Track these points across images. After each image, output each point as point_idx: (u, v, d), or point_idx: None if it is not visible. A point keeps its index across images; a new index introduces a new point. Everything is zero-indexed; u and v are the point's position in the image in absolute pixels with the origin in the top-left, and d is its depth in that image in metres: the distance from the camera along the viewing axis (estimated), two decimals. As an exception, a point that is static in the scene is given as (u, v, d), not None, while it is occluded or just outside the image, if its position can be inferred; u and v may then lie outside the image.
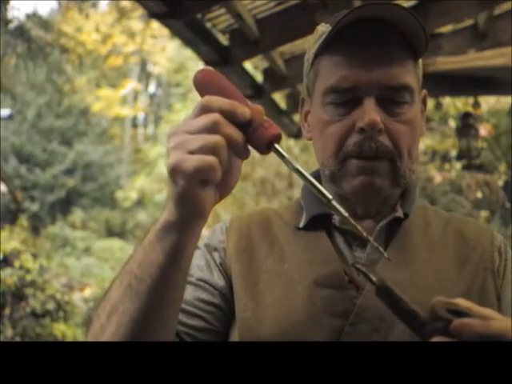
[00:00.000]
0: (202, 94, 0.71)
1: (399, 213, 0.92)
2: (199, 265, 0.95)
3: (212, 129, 0.66)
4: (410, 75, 0.89)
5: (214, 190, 0.70)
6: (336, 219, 0.93)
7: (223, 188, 0.71)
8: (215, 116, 0.66)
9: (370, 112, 0.85)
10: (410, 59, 0.89)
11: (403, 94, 0.88)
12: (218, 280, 0.93)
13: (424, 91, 0.97)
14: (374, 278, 0.72)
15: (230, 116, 0.67)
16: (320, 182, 0.95)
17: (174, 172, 0.69)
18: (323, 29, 0.90)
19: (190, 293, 0.91)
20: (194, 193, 0.67)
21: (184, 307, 0.88)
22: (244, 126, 0.68)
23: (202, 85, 0.71)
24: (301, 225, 0.95)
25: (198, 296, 0.92)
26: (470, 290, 0.88)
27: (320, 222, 0.94)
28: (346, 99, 0.87)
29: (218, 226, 1.00)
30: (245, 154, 0.69)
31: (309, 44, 0.94)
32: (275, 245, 0.95)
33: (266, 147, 0.68)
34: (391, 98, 0.87)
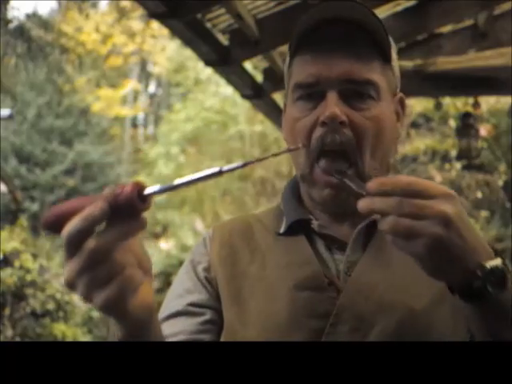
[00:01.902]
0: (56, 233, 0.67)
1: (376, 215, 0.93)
2: (188, 288, 0.96)
3: (92, 257, 0.63)
4: (376, 73, 0.89)
5: (140, 283, 0.66)
6: (315, 224, 0.94)
7: (146, 272, 0.68)
8: (88, 247, 0.63)
9: (330, 105, 0.86)
10: (377, 59, 0.90)
11: (367, 88, 0.88)
12: (207, 297, 0.95)
13: (400, 94, 0.97)
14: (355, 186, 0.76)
15: (91, 226, 0.63)
16: (298, 187, 0.98)
17: (103, 312, 0.67)
18: (297, 29, 0.92)
19: (184, 323, 0.93)
20: (123, 309, 0.65)
21: (183, 338, 0.91)
22: (115, 211, 0.64)
23: (50, 226, 0.67)
24: (281, 230, 0.96)
25: (193, 322, 0.93)
26: (447, 289, 0.89)
27: (300, 227, 0.95)
28: (311, 94, 0.89)
29: (202, 238, 1.02)
30: (137, 229, 0.66)
31: (288, 49, 0.95)
32: (257, 251, 0.96)
33: (141, 203, 0.64)
34: (355, 92, 0.88)
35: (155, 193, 0.65)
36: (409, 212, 0.68)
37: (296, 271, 0.91)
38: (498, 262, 0.70)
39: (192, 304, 0.94)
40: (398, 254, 0.89)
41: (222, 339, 0.92)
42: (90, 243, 0.63)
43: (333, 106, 0.86)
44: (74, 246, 0.63)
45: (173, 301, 0.97)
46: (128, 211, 0.64)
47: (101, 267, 0.63)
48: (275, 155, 0.72)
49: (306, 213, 0.96)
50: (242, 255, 0.96)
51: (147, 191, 0.65)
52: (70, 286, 0.65)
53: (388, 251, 0.91)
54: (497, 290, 0.69)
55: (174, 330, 0.92)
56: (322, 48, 0.88)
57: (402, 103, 0.98)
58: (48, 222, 0.66)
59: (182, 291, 0.96)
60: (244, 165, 0.67)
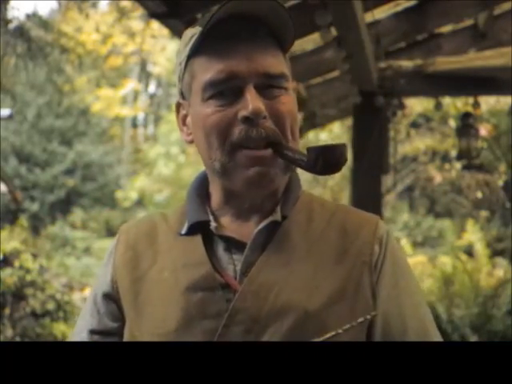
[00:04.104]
0: None
1: (277, 216, 0.92)
2: (91, 313, 0.98)
3: None
4: (284, 65, 0.91)
5: None
6: (213, 226, 0.93)
7: None
8: None
9: (253, 100, 0.86)
10: (279, 51, 0.91)
11: (281, 81, 0.90)
12: (108, 321, 0.96)
13: (295, 83, 0.99)
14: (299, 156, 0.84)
15: None
16: (207, 183, 0.97)
17: None
18: (193, 30, 0.91)
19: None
20: None
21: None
22: None
23: None
24: (183, 231, 0.95)
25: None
26: (346, 285, 0.88)
27: (200, 228, 0.94)
28: (225, 90, 0.88)
29: (113, 240, 1.03)
30: None
31: (179, 48, 0.94)
32: (159, 253, 0.95)
33: None
34: (269, 84, 0.88)
35: None
36: None
37: (190, 272, 0.90)
38: None
39: (94, 332, 0.97)
40: (298, 253, 0.90)
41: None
42: None
43: (255, 100, 0.86)
44: None
45: (82, 318, 1.00)
46: None
47: None
48: None
49: (206, 214, 0.95)
50: (145, 258, 0.95)
51: None
52: None
53: (288, 251, 0.90)
54: None
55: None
56: (228, 44, 0.87)
57: (296, 90, 1.01)
58: None
59: (88, 316, 0.99)
60: None
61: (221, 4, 0.85)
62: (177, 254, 0.94)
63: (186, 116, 0.96)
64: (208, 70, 0.88)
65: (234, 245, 0.92)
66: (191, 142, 0.96)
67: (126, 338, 0.93)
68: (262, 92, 0.88)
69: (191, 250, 0.93)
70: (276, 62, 0.89)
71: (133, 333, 0.92)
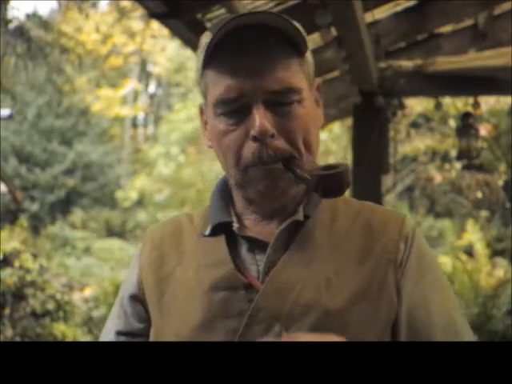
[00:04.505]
0: None
1: (299, 216, 0.92)
2: (118, 315, 0.99)
3: None
4: (295, 75, 0.89)
5: None
6: (235, 227, 0.93)
7: None
8: None
9: (260, 119, 0.85)
10: (294, 58, 0.89)
11: (289, 96, 0.88)
12: (135, 322, 0.97)
13: (317, 80, 0.97)
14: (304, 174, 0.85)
15: None
16: (228, 187, 0.98)
17: None
18: (206, 37, 0.90)
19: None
20: None
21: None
22: None
23: None
24: (206, 232, 0.96)
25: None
26: (370, 284, 0.88)
27: (223, 229, 0.94)
28: (236, 109, 0.87)
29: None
30: None
31: (198, 51, 0.93)
32: (184, 253, 0.96)
33: None
34: (278, 101, 0.87)
35: None
36: None
37: (213, 272, 0.91)
38: None
39: (121, 333, 0.97)
40: (321, 252, 0.90)
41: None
42: None
43: (262, 119, 0.85)
44: None
45: (111, 320, 1.01)
46: None
47: None
48: None
49: (229, 215, 0.95)
50: (170, 258, 0.96)
51: None
52: None
53: (311, 250, 0.90)
54: None
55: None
56: (236, 59, 0.87)
57: (318, 88, 0.98)
58: None
59: (114, 318, 1.00)
60: None
61: (224, 19, 0.85)
62: (200, 255, 0.94)
63: (206, 121, 0.96)
64: (218, 85, 0.88)
65: (256, 245, 0.92)
66: (211, 147, 0.96)
67: (151, 338, 0.93)
68: (272, 108, 0.87)
69: (214, 250, 0.93)
70: (284, 75, 0.87)
71: (157, 333, 0.92)
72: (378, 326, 0.86)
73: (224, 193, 0.99)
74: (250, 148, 0.87)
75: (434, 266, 0.94)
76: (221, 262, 0.91)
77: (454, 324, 0.91)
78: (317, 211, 0.93)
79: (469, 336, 0.92)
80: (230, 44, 0.86)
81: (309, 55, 0.94)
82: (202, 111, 0.97)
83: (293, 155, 0.87)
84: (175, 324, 0.90)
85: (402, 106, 3.94)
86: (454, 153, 6.71)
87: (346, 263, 0.89)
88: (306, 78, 0.92)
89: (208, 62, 0.89)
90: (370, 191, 3.80)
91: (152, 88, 23.06)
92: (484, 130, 6.91)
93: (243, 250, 0.93)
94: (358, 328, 0.85)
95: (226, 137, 0.89)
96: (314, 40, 3.30)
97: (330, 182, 0.85)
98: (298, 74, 0.90)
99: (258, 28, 0.86)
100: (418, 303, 0.89)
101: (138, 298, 0.97)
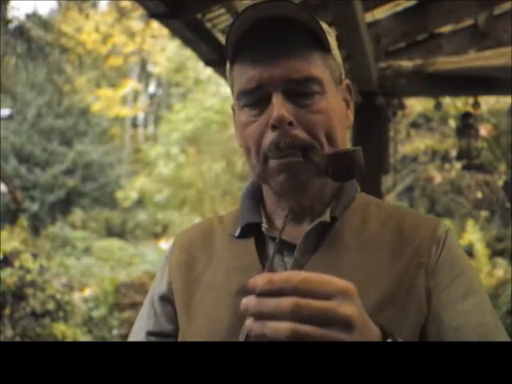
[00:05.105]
0: None
1: (326, 217, 0.90)
2: (148, 315, 0.99)
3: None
4: (317, 67, 0.88)
5: None
6: (264, 227, 0.93)
7: None
8: None
9: (277, 107, 0.84)
10: (317, 52, 0.88)
11: (310, 85, 0.87)
12: (164, 322, 0.97)
13: (347, 81, 0.96)
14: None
15: None
16: (260, 186, 0.98)
17: None
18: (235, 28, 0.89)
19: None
20: None
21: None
22: None
23: None
24: (236, 233, 0.95)
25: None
26: (399, 287, 0.86)
27: (252, 230, 0.94)
28: (257, 99, 0.87)
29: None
30: None
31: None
32: (214, 256, 0.96)
33: None
34: (299, 91, 0.86)
35: None
36: (308, 316, 0.62)
37: (240, 276, 0.89)
38: None
39: (151, 333, 0.97)
40: (350, 255, 0.89)
41: None
42: None
43: (279, 107, 0.84)
44: None
45: (140, 320, 1.01)
46: None
47: None
48: None
49: (259, 216, 0.94)
50: (200, 260, 0.96)
51: None
52: None
53: (339, 253, 0.89)
54: None
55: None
56: (258, 50, 0.86)
57: (349, 89, 0.96)
58: None
59: (145, 319, 1.00)
60: None
61: (244, 12, 0.84)
62: (229, 257, 0.94)
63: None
64: (240, 78, 0.88)
65: (285, 246, 0.90)
66: (241, 145, 0.95)
67: (180, 339, 0.93)
68: (292, 98, 0.86)
69: (243, 253, 0.93)
70: (305, 65, 0.86)
71: (184, 336, 0.92)
72: (405, 330, 0.84)
73: (255, 193, 0.98)
74: (269, 137, 0.86)
75: (467, 269, 0.91)
76: (249, 266, 0.90)
77: (484, 327, 0.88)
78: (346, 213, 0.92)
79: (504, 339, 0.90)
80: (252, 38, 0.86)
81: (337, 55, 0.93)
82: (234, 110, 0.97)
83: (313, 145, 0.86)
84: (202, 327, 0.90)
85: (402, 106, 3.94)
86: (454, 153, 6.71)
87: (375, 266, 0.88)
88: (331, 74, 0.91)
89: (234, 58, 0.89)
90: (370, 191, 3.77)
91: (152, 88, 23.09)
92: (484, 130, 6.91)
93: (272, 251, 0.91)
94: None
95: (248, 128, 0.88)
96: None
97: (339, 163, 0.83)
98: (320, 67, 0.88)
99: (281, 20, 0.85)
100: (448, 307, 0.87)
101: (167, 299, 0.97)
